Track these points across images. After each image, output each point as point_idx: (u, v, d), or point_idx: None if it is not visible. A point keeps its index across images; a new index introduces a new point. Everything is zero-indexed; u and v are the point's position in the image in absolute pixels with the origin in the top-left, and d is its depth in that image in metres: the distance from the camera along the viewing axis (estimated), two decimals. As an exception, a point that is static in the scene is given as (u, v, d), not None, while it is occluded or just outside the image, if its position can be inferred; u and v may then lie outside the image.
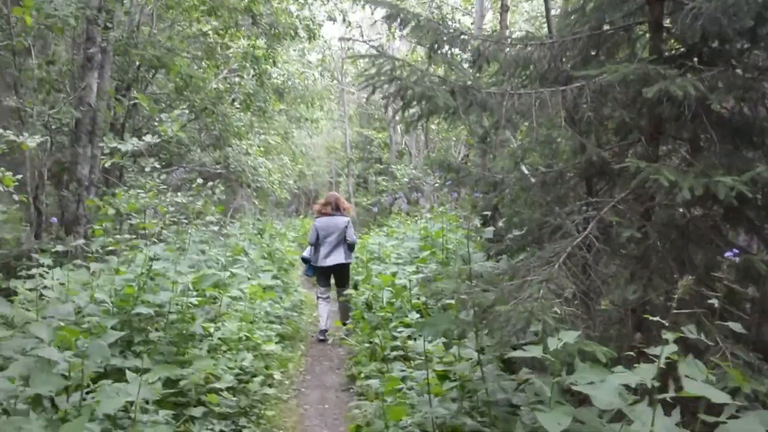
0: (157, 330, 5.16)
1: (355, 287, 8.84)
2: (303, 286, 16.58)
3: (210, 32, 12.84)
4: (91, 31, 10.27)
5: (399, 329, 6.41)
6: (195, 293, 5.77)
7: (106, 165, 6.54)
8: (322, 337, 8.47)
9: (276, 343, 7.63)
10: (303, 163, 31.08)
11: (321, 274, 8.46)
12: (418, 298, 6.59)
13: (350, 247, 8.39)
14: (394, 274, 7.05)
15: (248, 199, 18.03)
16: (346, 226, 8.22)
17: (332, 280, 8.63)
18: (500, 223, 7.80)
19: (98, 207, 6.72)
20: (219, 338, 6.16)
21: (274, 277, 10.25)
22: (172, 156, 13.85)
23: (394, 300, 6.88)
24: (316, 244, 8.29)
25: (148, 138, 6.96)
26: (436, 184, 8.73)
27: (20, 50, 8.90)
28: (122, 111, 11.63)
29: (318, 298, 8.65)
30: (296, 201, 48.56)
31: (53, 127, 9.48)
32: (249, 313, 6.95)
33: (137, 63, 12.51)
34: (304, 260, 8.89)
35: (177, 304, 5.40)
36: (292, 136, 20.28)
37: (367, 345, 6.86)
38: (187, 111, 10.94)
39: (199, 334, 5.49)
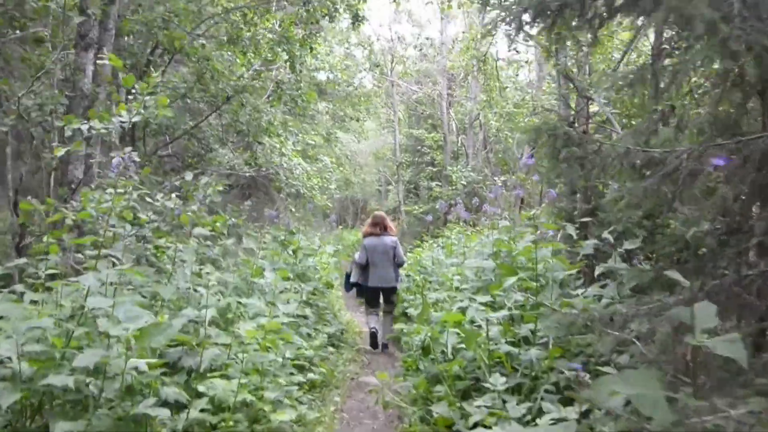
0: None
1: (405, 314, 8.41)
2: (346, 307, 14.64)
3: (234, 13, 10.94)
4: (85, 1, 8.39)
5: (472, 396, 4.21)
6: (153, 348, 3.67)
7: (57, 155, 4.71)
8: (374, 337, 8.59)
9: (299, 399, 5.54)
10: (349, 168, 29.10)
11: (371, 295, 8.56)
12: (499, 346, 4.37)
13: (398, 266, 8.56)
14: (463, 311, 4.78)
15: (286, 208, 16.10)
16: (395, 246, 8.39)
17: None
18: (605, 234, 5.54)
19: (47, 214, 4.74)
20: (203, 409, 4.08)
21: (306, 304, 8.17)
22: (194, 157, 12.02)
23: (463, 348, 4.66)
24: (366, 265, 8.40)
25: (122, 117, 4.96)
26: (526, 163, 6.69)
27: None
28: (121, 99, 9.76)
29: (367, 315, 8.79)
30: (343, 211, 46.85)
31: (34, 115, 7.66)
32: (257, 364, 4.86)
33: (151, 46, 10.66)
34: (348, 277, 8.85)
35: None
36: (335, 138, 18.31)
37: (422, 412, 4.69)
38: (184, 88, 8.93)
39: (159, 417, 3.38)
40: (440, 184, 18.99)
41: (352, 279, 8.71)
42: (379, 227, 8.48)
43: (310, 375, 6.62)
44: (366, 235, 8.60)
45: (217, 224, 5.40)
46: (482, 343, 4.31)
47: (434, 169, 19.92)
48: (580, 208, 6.26)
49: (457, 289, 6.29)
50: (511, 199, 12.65)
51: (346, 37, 21.54)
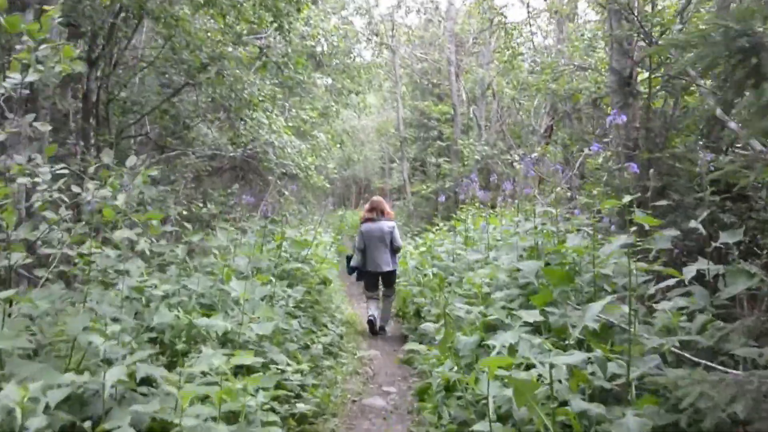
0: None
1: (417, 314, 8.02)
2: (348, 298, 13.20)
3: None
4: (14, -54, 6.84)
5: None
6: None
7: None
8: (372, 325, 8.77)
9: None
10: (350, 146, 27.50)
11: (369, 279, 8.70)
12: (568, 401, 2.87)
13: (395, 251, 8.68)
14: (512, 350, 3.19)
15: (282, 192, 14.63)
16: (392, 231, 8.48)
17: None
18: (695, 223, 4.02)
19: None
20: None
21: (296, 310, 6.69)
22: (172, 137, 10.50)
23: (506, 392, 3.14)
24: (364, 250, 8.52)
25: (12, 77, 3.45)
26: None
27: None
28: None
29: (367, 299, 8.92)
30: (346, 190, 45.28)
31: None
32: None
33: (114, 10, 9.07)
34: (348, 260, 8.99)
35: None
36: (333, 113, 16.72)
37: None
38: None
39: None
40: (449, 160, 17.39)
41: (353, 263, 8.85)
42: (376, 212, 8.56)
43: (300, 406, 5.19)
44: (363, 220, 8.71)
45: (153, 222, 3.86)
46: (542, 400, 2.81)
47: (443, 144, 18.18)
48: (652, 187, 4.72)
49: (486, 296, 4.77)
50: (530, 177, 11.14)
51: (342, 4, 19.85)
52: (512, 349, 3.06)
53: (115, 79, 9.60)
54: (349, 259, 9.06)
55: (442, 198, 10.12)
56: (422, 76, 21.37)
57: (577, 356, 2.73)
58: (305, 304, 7.48)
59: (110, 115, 9.43)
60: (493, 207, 10.37)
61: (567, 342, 3.17)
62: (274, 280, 5.83)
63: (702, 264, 3.83)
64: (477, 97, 17.05)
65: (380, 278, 8.70)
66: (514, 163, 13.95)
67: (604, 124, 10.40)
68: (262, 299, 5.91)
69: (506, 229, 6.78)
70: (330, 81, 17.92)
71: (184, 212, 8.53)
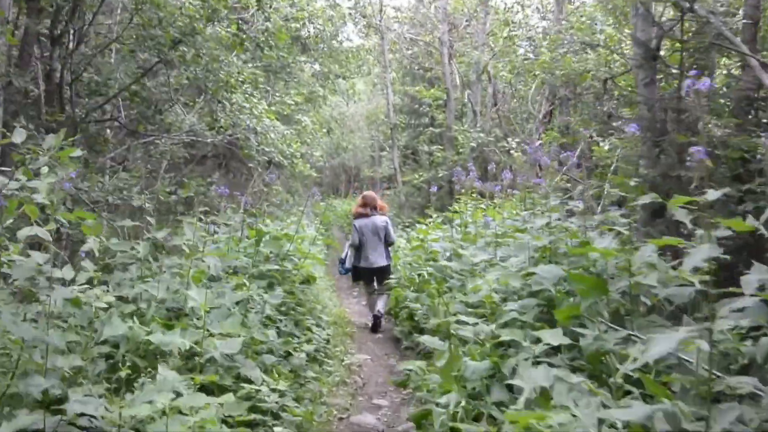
0: None
1: (411, 318, 7.43)
2: (338, 292, 12.48)
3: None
4: None
5: None
6: None
7: None
8: (376, 324, 8.71)
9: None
10: (338, 133, 26.68)
11: (364, 275, 8.66)
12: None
13: (389, 245, 8.70)
14: (546, 397, 2.41)
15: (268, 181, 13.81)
16: (386, 226, 8.51)
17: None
18: (755, 222, 3.26)
19: None
20: None
21: (271, 320, 5.93)
22: (144, 121, 9.64)
23: None
24: (359, 246, 8.46)
25: None
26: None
27: None
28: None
29: (368, 296, 8.98)
30: (335, 179, 44.35)
31: None
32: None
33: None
34: (342, 262, 8.92)
35: None
36: (320, 98, 15.88)
37: None
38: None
39: None
40: (442, 147, 16.60)
41: (348, 263, 8.79)
42: (369, 207, 8.52)
43: (277, 430, 4.47)
44: (357, 216, 8.61)
45: (87, 222, 3.07)
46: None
47: (435, 131, 17.30)
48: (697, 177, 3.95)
49: (495, 306, 4.01)
50: (527, 165, 10.41)
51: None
52: (545, 397, 2.31)
53: (81, 57, 8.75)
54: (341, 261, 9.00)
55: (434, 188, 9.32)
56: (412, 61, 20.54)
57: (638, 410, 1.98)
58: (287, 307, 6.72)
59: (75, 96, 8.58)
60: (490, 198, 9.63)
61: (612, 380, 2.42)
62: (248, 283, 5.07)
63: (763, 272, 3.09)
64: (471, 81, 16.24)
65: (375, 273, 8.64)
66: (512, 151, 13.21)
67: (614, 106, 9.68)
68: (236, 305, 5.16)
69: (512, 224, 6.04)
70: (317, 67, 17.08)
71: (149, 204, 7.77)
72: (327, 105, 23.51)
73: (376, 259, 8.48)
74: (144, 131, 9.59)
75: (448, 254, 7.04)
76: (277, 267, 6.03)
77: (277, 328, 6.11)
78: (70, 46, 8.54)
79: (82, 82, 8.63)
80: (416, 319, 6.76)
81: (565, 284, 3.79)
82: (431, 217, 12.11)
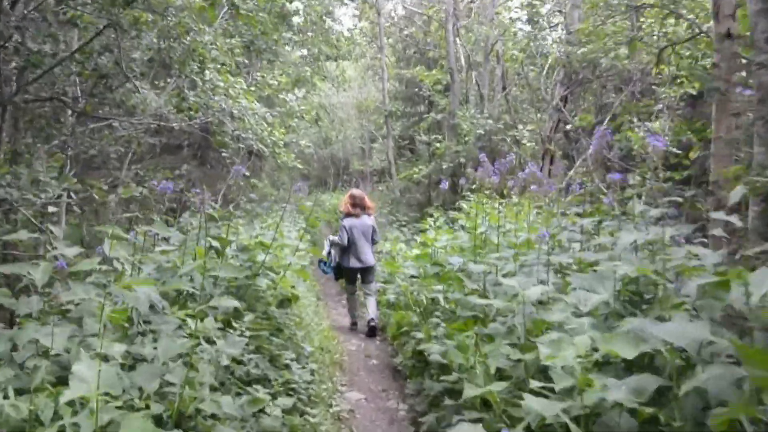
0: None
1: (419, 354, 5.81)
2: (324, 299, 11.01)
3: None
4: None
5: None
6: None
7: None
8: (355, 322, 8.80)
9: None
10: (327, 122, 25.01)
11: (350, 275, 8.61)
12: None
13: (374, 244, 8.67)
14: None
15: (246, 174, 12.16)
16: (373, 226, 8.54)
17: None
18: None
19: None
20: None
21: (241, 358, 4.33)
22: (95, 100, 7.99)
23: None
24: (347, 245, 8.37)
25: None
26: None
27: None
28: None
29: (348, 295, 8.96)
30: (323, 171, 42.52)
31: None
32: None
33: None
34: (321, 262, 8.82)
35: None
36: (307, 80, 14.23)
37: None
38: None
39: None
40: (439, 137, 14.93)
41: (333, 262, 8.66)
42: (359, 207, 8.49)
43: None
44: (346, 214, 8.54)
45: None
46: None
47: (436, 118, 15.46)
48: None
49: (588, 382, 2.43)
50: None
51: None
52: None
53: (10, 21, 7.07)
54: (321, 261, 8.84)
55: (444, 184, 7.67)
56: (409, 43, 18.85)
57: None
58: (260, 340, 5.14)
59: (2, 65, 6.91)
60: (503, 196, 8.08)
61: None
62: (197, 322, 3.48)
63: None
64: (478, 61, 14.57)
65: (362, 272, 8.56)
66: (524, 140, 11.67)
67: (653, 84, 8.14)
68: (179, 357, 3.56)
69: (556, 237, 4.47)
70: (305, 52, 15.44)
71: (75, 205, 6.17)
72: (315, 92, 21.83)
73: (366, 258, 8.39)
74: (93, 113, 7.92)
75: (467, 269, 5.44)
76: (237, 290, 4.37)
77: (244, 374, 4.52)
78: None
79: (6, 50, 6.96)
80: (427, 362, 5.18)
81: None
82: (432, 216, 10.56)
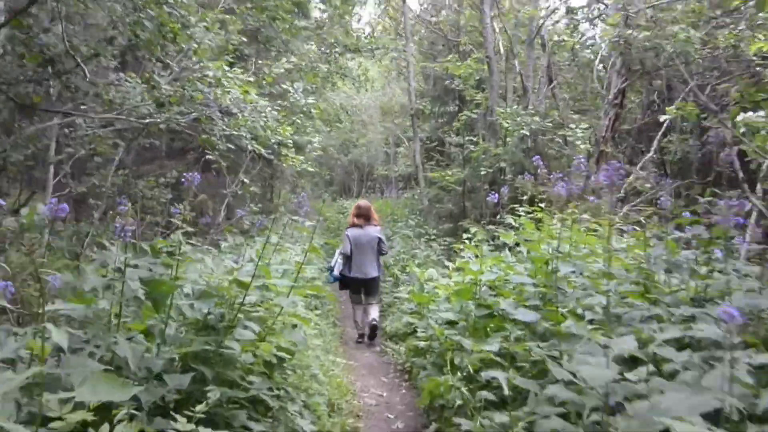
0: None
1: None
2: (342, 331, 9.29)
3: None
4: None
5: None
6: None
7: None
8: (362, 333, 8.70)
9: None
10: (348, 124, 23.26)
11: (354, 286, 8.59)
12: None
13: (381, 255, 8.61)
14: None
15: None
16: (379, 237, 8.46)
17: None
18: None
19: None
20: None
21: None
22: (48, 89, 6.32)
23: None
24: (350, 256, 8.40)
25: None
26: None
27: None
28: None
29: (353, 304, 8.83)
30: (347, 177, 40.84)
31: None
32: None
33: None
34: (330, 270, 8.88)
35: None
36: (323, 76, 12.47)
37: None
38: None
39: None
40: (474, 137, 12.97)
41: (336, 271, 8.68)
42: (363, 218, 8.48)
43: None
44: (350, 225, 8.60)
45: None
46: None
47: (472, 115, 13.33)
48: None
49: None
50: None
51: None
52: None
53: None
54: (330, 269, 8.96)
55: (494, 197, 5.73)
56: (437, 35, 16.97)
57: None
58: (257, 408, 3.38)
59: None
60: (562, 210, 6.26)
61: None
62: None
63: None
64: (516, 52, 12.56)
65: (365, 284, 8.57)
66: (578, 141, 9.77)
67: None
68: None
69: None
70: (314, 47, 13.69)
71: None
72: (331, 89, 20.07)
73: (367, 270, 8.40)
74: (46, 106, 6.25)
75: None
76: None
77: None
78: None
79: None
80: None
81: None
82: (468, 232, 8.74)
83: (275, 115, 7.58)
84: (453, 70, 13.77)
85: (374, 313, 8.52)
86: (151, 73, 6.52)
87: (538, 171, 6.25)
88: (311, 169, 9.77)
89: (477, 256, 6.92)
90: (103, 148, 7.31)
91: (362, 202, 9.04)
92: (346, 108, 22.93)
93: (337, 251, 8.88)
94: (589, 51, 10.97)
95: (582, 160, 5.67)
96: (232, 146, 7.01)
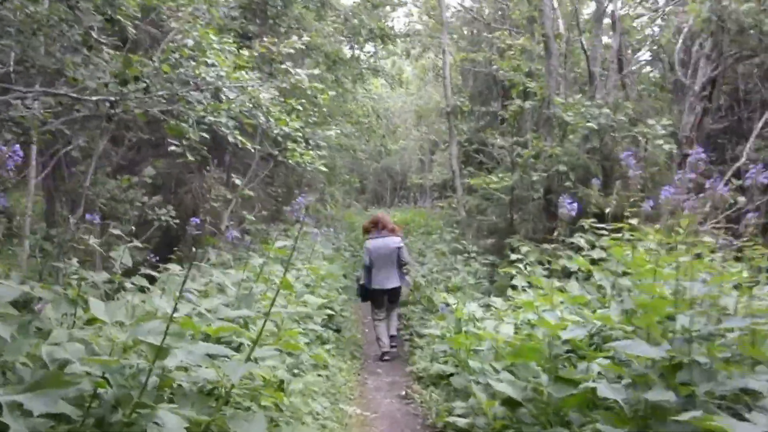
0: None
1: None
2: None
3: None
4: None
5: None
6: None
7: None
8: (386, 351, 8.42)
9: None
10: (382, 128, 21.46)
11: (376, 297, 8.45)
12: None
13: (402, 266, 8.47)
14: None
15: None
16: (399, 248, 8.34)
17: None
18: None
19: None
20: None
21: None
22: None
23: None
24: (370, 267, 8.32)
25: None
26: None
27: None
28: None
29: (375, 320, 8.60)
30: (379, 185, 39.05)
31: None
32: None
33: None
34: (359, 283, 8.86)
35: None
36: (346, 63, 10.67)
37: None
38: None
39: None
40: (522, 139, 10.91)
41: (362, 281, 8.61)
42: (378, 228, 8.43)
43: None
44: (368, 237, 8.56)
45: None
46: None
47: (524, 105, 10.92)
48: None
49: None
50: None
51: None
52: None
53: None
54: (358, 281, 8.89)
55: (570, 205, 3.79)
56: (479, 23, 14.99)
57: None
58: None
59: None
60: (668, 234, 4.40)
61: None
62: None
63: None
64: (584, 27, 10.52)
65: (387, 294, 8.37)
66: (658, 141, 7.75)
67: None
68: None
69: None
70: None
71: None
72: (366, 89, 18.26)
73: (389, 281, 8.24)
74: None
75: None
76: None
77: None
78: None
79: None
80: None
81: None
82: (519, 253, 6.86)
83: (269, 98, 5.74)
84: (497, 62, 11.62)
85: (393, 327, 8.49)
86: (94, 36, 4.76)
87: (629, 174, 4.34)
88: (323, 168, 7.95)
89: (538, 289, 5.00)
90: (44, 135, 5.57)
91: (380, 214, 9.10)
92: (377, 111, 21.13)
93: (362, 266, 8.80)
94: (669, 30, 8.93)
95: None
96: (206, 136, 5.21)
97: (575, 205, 3.96)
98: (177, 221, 6.99)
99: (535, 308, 3.82)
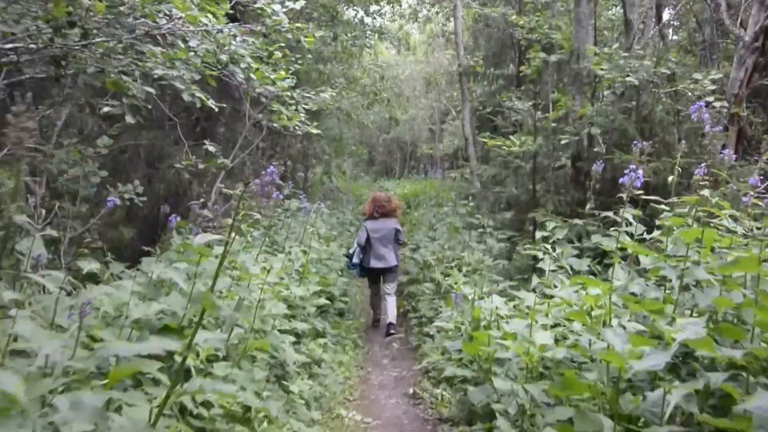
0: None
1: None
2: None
3: None
4: None
5: None
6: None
7: None
8: (378, 320, 8.68)
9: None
10: (391, 98, 20.31)
11: (371, 276, 8.62)
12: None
13: (398, 245, 8.65)
14: None
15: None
16: (397, 229, 8.49)
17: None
18: None
19: None
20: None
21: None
22: None
23: None
24: (366, 246, 8.42)
25: None
26: None
27: None
28: None
29: (372, 296, 8.88)
30: (389, 156, 37.90)
31: None
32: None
33: None
34: (349, 257, 8.87)
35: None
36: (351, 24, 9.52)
37: None
38: None
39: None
40: (539, 102, 9.67)
41: (355, 259, 8.62)
42: (379, 210, 8.48)
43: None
44: (367, 217, 8.66)
45: None
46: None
47: (549, 58, 9.33)
48: None
49: None
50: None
51: None
52: None
53: None
54: (349, 257, 8.81)
55: (633, 175, 2.75)
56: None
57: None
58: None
59: None
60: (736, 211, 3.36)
61: None
62: None
63: None
64: None
65: (383, 273, 8.45)
66: (707, 97, 6.60)
67: None
68: None
69: None
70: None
71: None
72: (371, 53, 17.08)
73: (385, 260, 8.31)
74: None
75: None
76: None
77: None
78: None
79: None
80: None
81: None
82: (544, 229, 5.82)
83: (243, 45, 4.65)
84: (515, 19, 10.34)
85: (391, 312, 8.25)
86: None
87: (706, 130, 3.24)
88: (315, 131, 6.86)
89: (576, 281, 3.94)
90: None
91: (379, 194, 8.99)
92: (384, 77, 19.93)
93: (355, 240, 8.86)
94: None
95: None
96: (152, 90, 4.15)
97: (640, 172, 2.88)
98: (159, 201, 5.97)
99: (584, 319, 2.75)
